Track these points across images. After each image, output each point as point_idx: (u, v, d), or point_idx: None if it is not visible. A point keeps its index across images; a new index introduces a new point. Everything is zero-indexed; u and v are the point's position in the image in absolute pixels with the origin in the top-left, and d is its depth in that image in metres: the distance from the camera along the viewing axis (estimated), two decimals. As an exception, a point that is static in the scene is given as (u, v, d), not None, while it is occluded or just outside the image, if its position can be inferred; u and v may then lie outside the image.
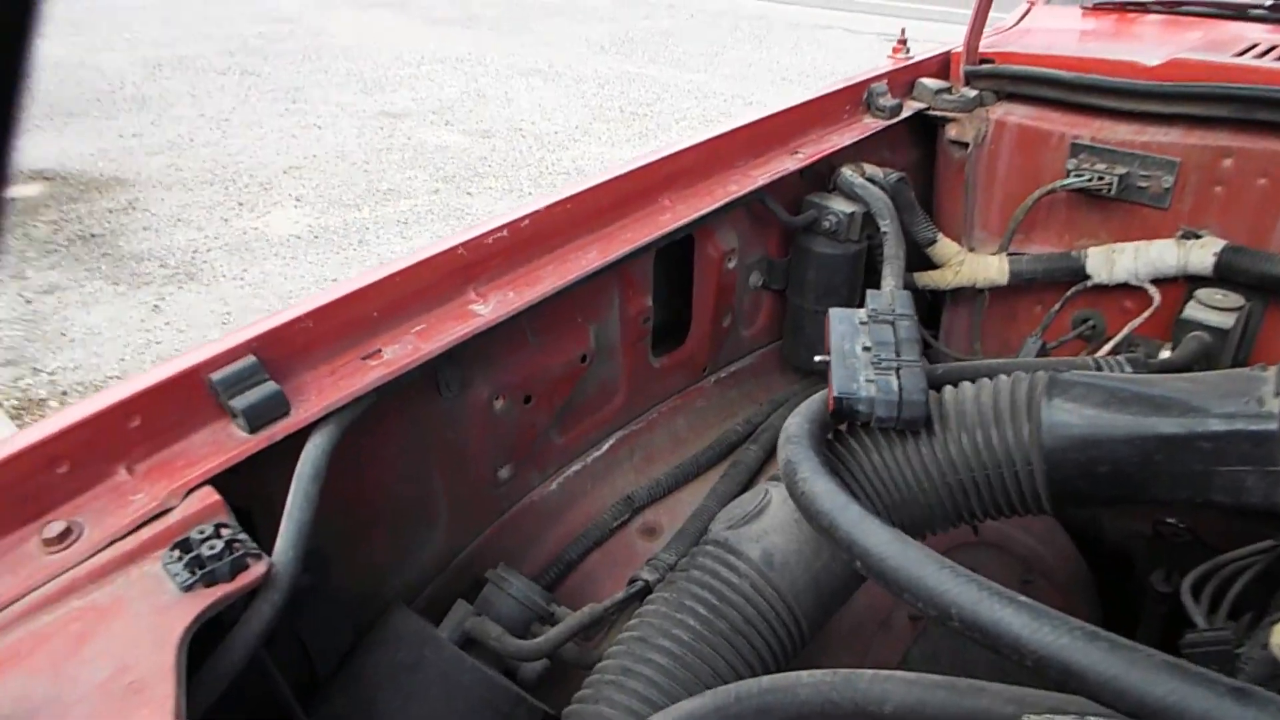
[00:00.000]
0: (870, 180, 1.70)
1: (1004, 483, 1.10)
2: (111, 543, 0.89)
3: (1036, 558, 1.74)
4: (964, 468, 1.10)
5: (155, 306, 4.38)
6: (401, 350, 1.12)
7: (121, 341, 4.07)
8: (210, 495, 0.94)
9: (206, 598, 0.84)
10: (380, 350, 1.11)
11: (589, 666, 1.12)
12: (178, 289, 4.54)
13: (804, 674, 0.88)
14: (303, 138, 6.73)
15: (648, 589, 1.26)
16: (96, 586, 0.86)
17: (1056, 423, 1.06)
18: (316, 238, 5.13)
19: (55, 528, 0.89)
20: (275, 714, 1.01)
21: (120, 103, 7.47)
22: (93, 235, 5.12)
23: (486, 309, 1.19)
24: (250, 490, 1.05)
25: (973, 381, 1.16)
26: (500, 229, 1.24)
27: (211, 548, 0.86)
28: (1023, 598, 0.81)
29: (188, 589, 0.84)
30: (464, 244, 1.20)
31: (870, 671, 0.87)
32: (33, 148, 6.37)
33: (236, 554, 0.86)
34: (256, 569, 0.87)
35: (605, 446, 1.55)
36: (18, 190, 5.69)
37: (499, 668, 1.18)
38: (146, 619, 0.82)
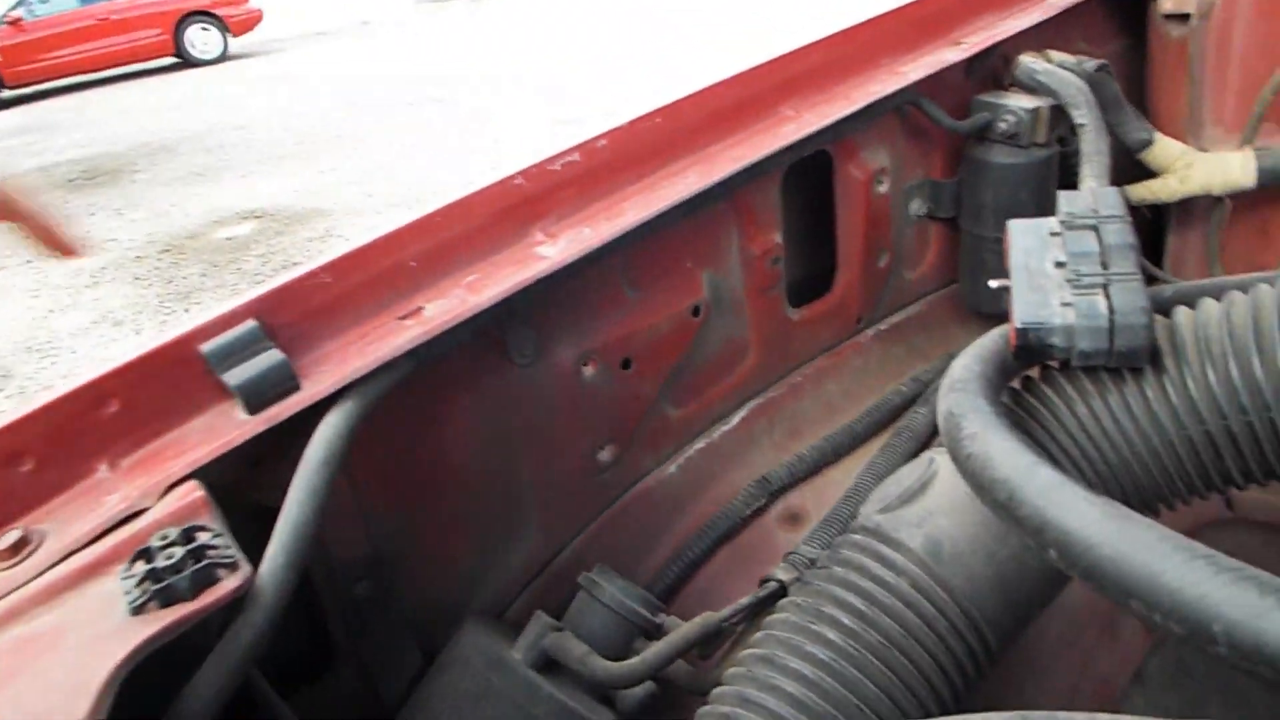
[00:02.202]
0: (1060, 66, 1.34)
1: (1275, 432, 0.75)
2: (69, 554, 0.72)
3: (1319, 538, 1.32)
4: (1212, 414, 0.76)
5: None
6: (447, 306, 0.90)
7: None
8: (193, 491, 0.75)
9: (157, 622, 0.64)
10: (420, 308, 0.90)
11: (705, 692, 0.86)
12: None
13: (978, 719, 0.59)
14: (483, 152, 6.91)
15: (782, 591, 0.99)
16: (45, 609, 0.68)
17: None
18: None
19: (9, 538, 0.72)
20: None
21: (320, 142, 7.94)
22: (295, 263, 5.48)
23: (555, 251, 0.96)
24: (277, 485, 0.87)
25: (1217, 299, 0.82)
26: (570, 153, 1.00)
27: (169, 557, 0.67)
28: None
29: (137, 611, 0.65)
30: (524, 173, 0.97)
31: (1085, 716, 0.56)
32: (245, 191, 6.89)
33: (201, 564, 0.67)
34: (228, 583, 0.67)
35: (736, 419, 1.28)
36: (231, 230, 6.14)
37: (596, 695, 0.95)
38: (79, 652, 0.63)
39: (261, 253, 5.70)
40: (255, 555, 0.73)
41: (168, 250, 5.95)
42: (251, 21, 13.33)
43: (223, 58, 12.86)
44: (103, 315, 5.00)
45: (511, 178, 0.96)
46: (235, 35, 13.07)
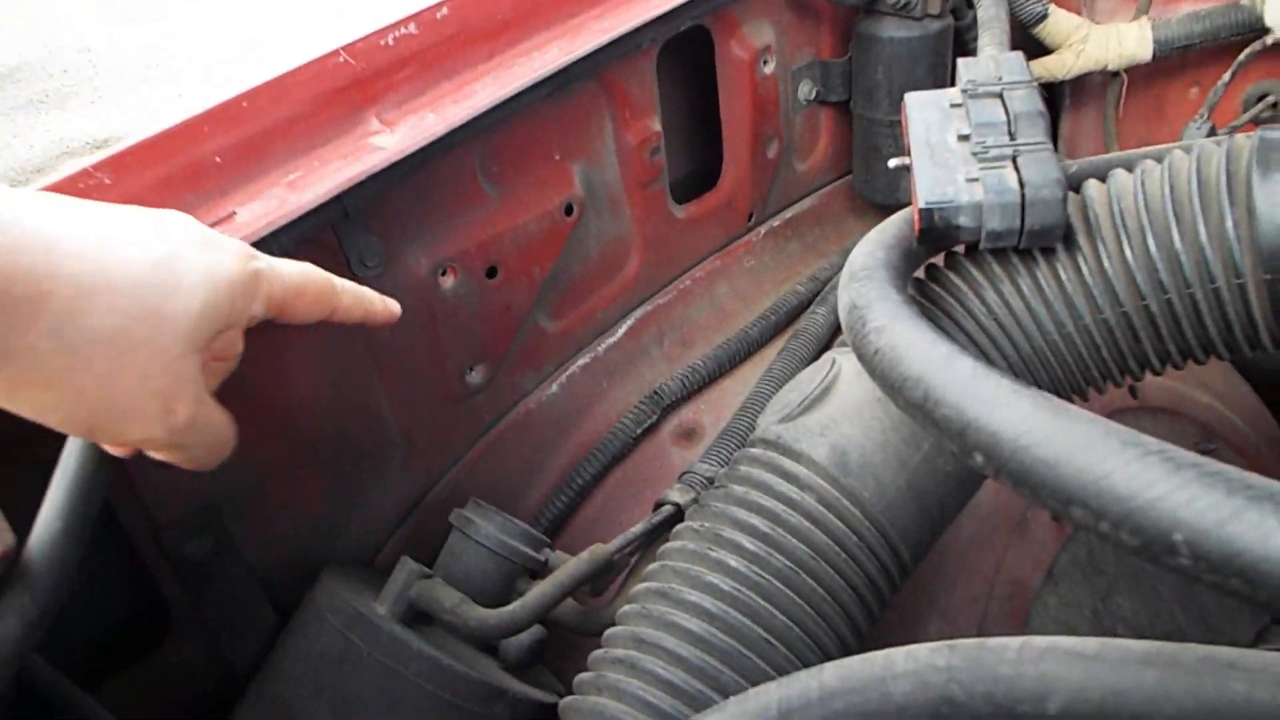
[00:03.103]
0: (950, -72, 1.24)
1: (1196, 309, 0.68)
2: None
3: (1219, 421, 1.31)
4: (1129, 294, 0.69)
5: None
6: (264, 209, 0.76)
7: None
8: None
9: None
10: (233, 213, 0.75)
11: (598, 633, 0.77)
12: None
13: (899, 654, 0.50)
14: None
15: (678, 515, 0.90)
16: None
17: None
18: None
19: None
20: None
21: (176, 64, 7.35)
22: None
23: (393, 140, 0.82)
24: None
25: (1129, 171, 0.75)
26: (404, 24, 0.85)
27: (-105, 535, 0.53)
28: None
29: None
30: (349, 49, 0.82)
31: (1016, 641, 0.48)
32: (96, 119, 6.32)
33: (-61, 542, 0.53)
34: (-21, 562, 0.54)
35: (621, 331, 1.17)
36: (82, 162, 5.61)
37: (478, 646, 0.85)
38: None
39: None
40: None
41: (13, 185, 5.45)
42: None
43: (59, -27, 11.79)
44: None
45: (333, 54, 0.81)
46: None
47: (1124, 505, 0.44)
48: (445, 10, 0.87)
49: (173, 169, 0.74)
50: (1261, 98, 1.40)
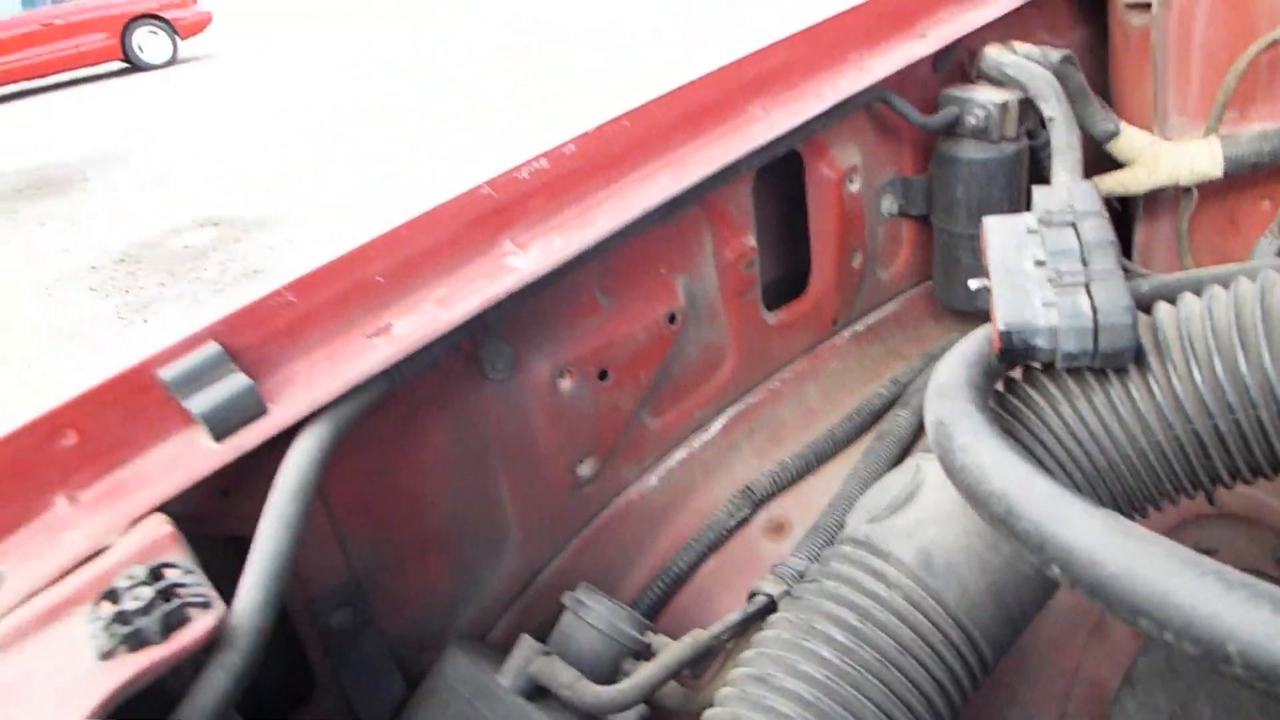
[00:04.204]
0: (1026, 58, 1.34)
1: (1262, 428, 0.74)
2: (31, 597, 0.68)
3: (1295, 527, 1.33)
4: (1199, 413, 0.75)
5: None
6: (418, 322, 0.87)
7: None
8: (160, 526, 0.72)
9: (127, 668, 0.61)
10: (390, 325, 0.87)
11: (697, 714, 0.84)
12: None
13: None
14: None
15: (771, 606, 0.97)
16: (9, 656, 0.65)
17: None
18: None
19: (-38, 583, 0.69)
20: None
21: (275, 147, 7.78)
22: (256, 270, 5.36)
23: (526, 262, 0.93)
24: (248, 514, 0.83)
25: (1197, 294, 0.81)
26: (538, 159, 0.97)
27: (137, 598, 0.64)
28: None
29: (106, 656, 0.62)
30: (491, 182, 0.94)
31: None
32: (201, 198, 6.73)
33: (171, 605, 0.64)
34: (201, 623, 0.64)
35: (716, 428, 1.26)
36: (189, 238, 5.99)
37: None
38: (48, 704, 0.60)
39: (221, 260, 5.59)
40: (227, 590, 0.70)
41: (124, 260, 5.82)
42: (201, 24, 12.99)
43: (172, 61, 12.59)
44: (57, 329, 4.87)
45: (478, 188, 0.93)
46: (184, 38, 12.78)
47: (1184, 617, 0.51)
48: (572, 147, 0.99)
49: (345, 288, 0.86)
50: (1333, 213, 1.45)
